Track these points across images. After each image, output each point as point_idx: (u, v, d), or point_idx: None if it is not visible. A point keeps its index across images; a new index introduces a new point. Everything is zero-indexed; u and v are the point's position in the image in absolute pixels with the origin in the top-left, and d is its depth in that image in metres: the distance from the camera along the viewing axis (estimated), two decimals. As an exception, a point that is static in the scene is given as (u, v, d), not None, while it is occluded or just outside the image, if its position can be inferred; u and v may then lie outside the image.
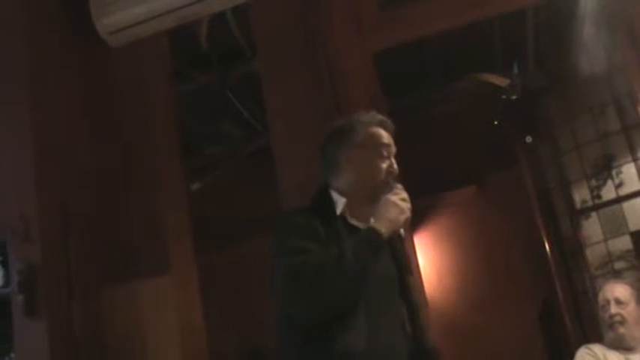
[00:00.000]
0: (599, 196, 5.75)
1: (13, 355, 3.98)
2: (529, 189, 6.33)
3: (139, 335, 4.01)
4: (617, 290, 3.60)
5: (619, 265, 5.51)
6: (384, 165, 2.31)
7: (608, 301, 3.59)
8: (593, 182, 5.78)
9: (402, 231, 2.36)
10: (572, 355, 3.68)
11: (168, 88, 4.79)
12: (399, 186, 2.29)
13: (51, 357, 3.72)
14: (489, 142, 6.42)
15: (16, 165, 4.06)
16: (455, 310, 6.95)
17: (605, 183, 5.72)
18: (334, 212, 2.24)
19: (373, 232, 2.12)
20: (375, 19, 4.40)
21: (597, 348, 3.57)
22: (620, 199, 5.64)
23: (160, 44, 4.73)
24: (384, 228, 2.13)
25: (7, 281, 4.02)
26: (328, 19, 4.26)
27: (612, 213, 5.68)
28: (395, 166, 2.34)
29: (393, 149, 2.37)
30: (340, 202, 2.25)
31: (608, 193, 5.72)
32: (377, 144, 2.33)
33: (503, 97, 5.97)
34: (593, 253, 5.69)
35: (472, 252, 7.11)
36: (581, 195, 5.87)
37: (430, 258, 7.17)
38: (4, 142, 4.18)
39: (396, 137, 2.44)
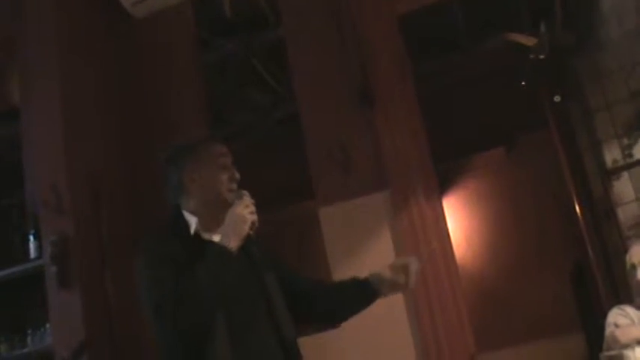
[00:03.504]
0: (630, 155, 5.67)
1: (48, 325, 4.05)
2: (558, 150, 6.26)
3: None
4: None
5: (652, 225, 5.46)
6: (225, 176, 2.40)
7: (634, 266, 3.55)
8: (625, 141, 5.70)
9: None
10: (604, 316, 3.66)
11: (194, 57, 4.80)
12: (244, 192, 2.37)
13: (85, 327, 3.78)
14: (517, 103, 6.35)
15: (46, 138, 4.11)
16: (485, 274, 6.95)
17: (636, 142, 5.64)
18: (189, 233, 2.35)
19: (221, 249, 2.23)
20: (400, -18, 4.36)
21: (630, 309, 3.54)
22: (652, 158, 5.56)
23: (184, 13, 4.72)
24: (231, 242, 2.24)
25: (41, 253, 4.08)
26: (352, -18, 4.22)
27: (644, 172, 5.61)
28: (236, 174, 2.43)
29: (230, 159, 2.47)
30: (193, 222, 2.36)
31: (640, 152, 5.65)
32: (214, 157, 2.43)
33: (531, 56, 5.89)
34: (625, 213, 5.63)
35: (501, 214, 7.08)
36: (612, 154, 5.79)
37: (459, 222, 7.15)
38: (34, 116, 4.22)
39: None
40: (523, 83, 6.27)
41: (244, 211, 2.30)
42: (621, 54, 5.69)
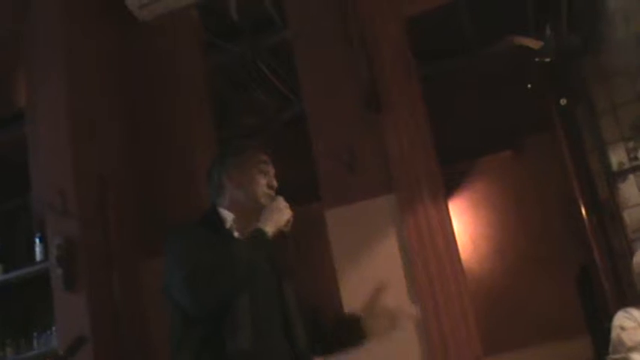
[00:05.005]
0: (636, 158, 5.65)
1: (54, 328, 4.06)
2: (564, 152, 6.25)
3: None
4: None
5: (658, 227, 5.44)
6: (264, 180, 2.52)
7: None
8: (631, 144, 5.67)
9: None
10: (610, 318, 3.64)
11: (201, 60, 4.81)
12: (280, 197, 2.48)
13: (91, 329, 3.78)
14: (523, 105, 6.35)
15: (53, 141, 4.12)
16: (491, 277, 6.94)
17: (642, 144, 5.63)
18: (223, 226, 2.43)
19: (259, 231, 2.34)
20: (406, -16, 4.36)
21: (636, 312, 3.52)
22: (658, 161, 5.54)
23: (190, 16, 4.73)
24: (268, 227, 2.35)
25: (47, 256, 4.09)
26: (359, -15, 4.22)
27: (650, 175, 5.59)
28: (274, 182, 2.55)
29: (272, 169, 2.59)
30: (229, 218, 2.45)
31: (646, 154, 5.63)
32: (255, 163, 2.55)
33: (537, 59, 5.89)
34: (631, 216, 5.61)
35: (508, 217, 7.08)
36: (618, 157, 5.77)
37: (465, 224, 7.14)
38: (41, 119, 4.23)
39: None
40: (529, 86, 6.26)
41: (282, 205, 2.43)
42: (627, 56, 5.67)
